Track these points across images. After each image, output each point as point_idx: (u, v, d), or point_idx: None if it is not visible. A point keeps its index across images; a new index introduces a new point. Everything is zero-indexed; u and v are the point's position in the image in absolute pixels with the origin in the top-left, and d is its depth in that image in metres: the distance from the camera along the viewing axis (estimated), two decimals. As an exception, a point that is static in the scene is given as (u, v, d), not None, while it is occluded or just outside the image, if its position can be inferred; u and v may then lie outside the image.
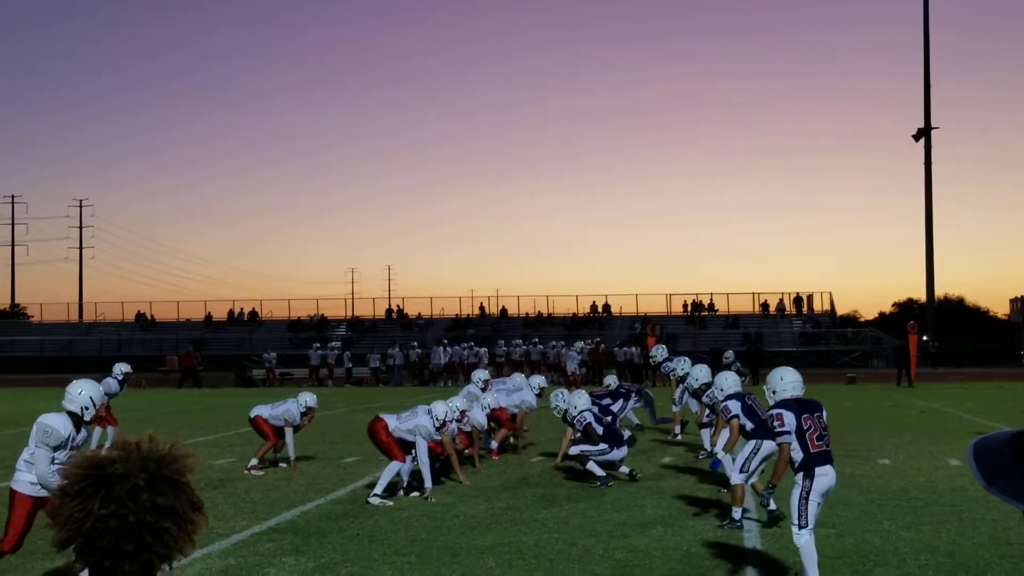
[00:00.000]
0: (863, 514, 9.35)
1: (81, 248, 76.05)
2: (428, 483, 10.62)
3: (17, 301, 74.06)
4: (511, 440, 14.99)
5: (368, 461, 13.18)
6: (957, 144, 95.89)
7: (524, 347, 40.39)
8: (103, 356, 50.54)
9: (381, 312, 60.37)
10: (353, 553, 7.96)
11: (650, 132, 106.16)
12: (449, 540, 8.44)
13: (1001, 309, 66.13)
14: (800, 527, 6.49)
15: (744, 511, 9.01)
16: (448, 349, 39.47)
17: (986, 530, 8.50)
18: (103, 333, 57.93)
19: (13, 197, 75.96)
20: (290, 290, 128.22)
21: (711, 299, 57.11)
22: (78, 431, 7.00)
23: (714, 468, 10.38)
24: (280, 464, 13.12)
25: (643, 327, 47.58)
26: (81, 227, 76.47)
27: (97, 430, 13.86)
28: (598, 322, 54.71)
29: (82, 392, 7.12)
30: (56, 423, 6.79)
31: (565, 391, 13.45)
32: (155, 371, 42.07)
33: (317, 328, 55.26)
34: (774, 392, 7.19)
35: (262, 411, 13.05)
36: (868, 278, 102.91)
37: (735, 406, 9.50)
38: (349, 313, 62.33)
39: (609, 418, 12.67)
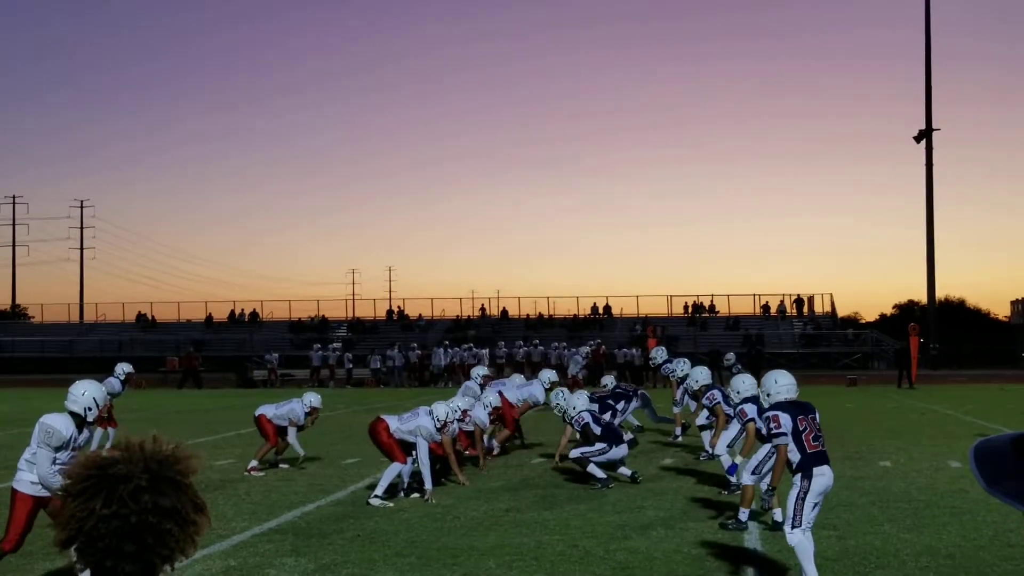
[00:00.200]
0: (864, 516, 9.35)
1: (82, 249, 76.13)
2: (428, 484, 10.62)
3: (18, 302, 74.13)
4: (516, 440, 14.99)
5: (368, 462, 13.18)
6: (958, 146, 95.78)
7: (525, 348, 40.41)
8: (104, 357, 50.57)
9: (382, 313, 60.39)
10: (354, 554, 7.96)
11: (651, 133, 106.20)
12: (450, 541, 8.44)
13: (1002, 311, 66.04)
14: (794, 526, 6.53)
15: (751, 512, 9.01)
16: (449, 350, 39.51)
17: (987, 532, 8.50)
18: (104, 334, 57.95)
19: (14, 197, 76.03)
20: (291, 291, 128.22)
21: (712, 300, 57.16)
22: (80, 432, 7.01)
23: (730, 472, 10.38)
24: (280, 465, 13.13)
25: (644, 329, 47.60)
26: (82, 227, 76.53)
27: (99, 431, 13.86)
28: (599, 323, 54.73)
29: (85, 392, 7.12)
30: (58, 423, 6.79)
31: (566, 390, 13.48)
32: (156, 372, 42.06)
33: (318, 329, 55.27)
34: (768, 395, 7.33)
35: (267, 410, 13.08)
36: (869, 280, 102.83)
37: (751, 409, 9.50)
38: (350, 314, 62.36)
39: (608, 415, 12.66)
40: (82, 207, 76.63)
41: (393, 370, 39.27)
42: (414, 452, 10.82)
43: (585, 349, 37.42)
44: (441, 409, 11.05)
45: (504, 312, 58.39)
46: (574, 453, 11.63)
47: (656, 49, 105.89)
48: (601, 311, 56.58)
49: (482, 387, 14.81)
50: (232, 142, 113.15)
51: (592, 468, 11.35)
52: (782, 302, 55.74)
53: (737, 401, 10.03)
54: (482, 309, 59.87)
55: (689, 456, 14.14)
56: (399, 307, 60.68)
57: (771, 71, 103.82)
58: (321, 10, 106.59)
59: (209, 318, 59.52)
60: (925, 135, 50.96)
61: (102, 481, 1.73)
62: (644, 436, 16.01)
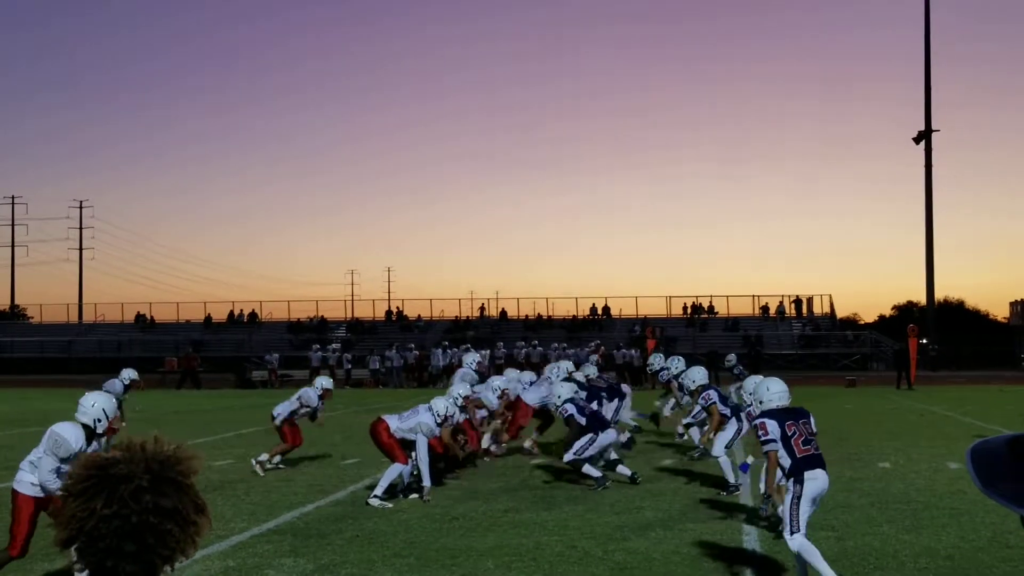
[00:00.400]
0: (863, 517, 9.35)
1: (81, 249, 76.07)
2: (427, 482, 10.62)
3: (17, 302, 74.09)
4: (535, 436, 14.90)
5: (368, 463, 13.18)
6: (958, 147, 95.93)
7: (525, 349, 40.41)
8: (103, 357, 50.64)
9: (381, 314, 60.39)
10: (353, 555, 7.97)
11: (650, 134, 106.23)
12: (448, 542, 8.44)
13: (1001, 312, 66.02)
14: (792, 532, 6.55)
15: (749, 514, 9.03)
16: (448, 351, 39.52)
17: (986, 533, 8.51)
18: (103, 334, 57.94)
19: (13, 198, 75.95)
20: (290, 291, 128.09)
21: (711, 301, 57.16)
22: (89, 444, 7.02)
23: (743, 470, 10.39)
24: (279, 466, 13.12)
25: (643, 329, 47.60)
26: (81, 228, 76.47)
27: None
28: (598, 324, 54.73)
29: (95, 404, 7.18)
30: (69, 434, 6.80)
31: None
32: (154, 372, 42.03)
33: (317, 330, 55.27)
34: (761, 402, 7.38)
35: (282, 410, 13.15)
36: (868, 281, 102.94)
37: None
38: (349, 315, 62.39)
39: (594, 404, 12.64)
40: (81, 207, 76.65)
41: (392, 371, 39.29)
42: (414, 452, 10.82)
43: (593, 353, 37.32)
44: (441, 404, 11.05)
45: (503, 313, 58.40)
46: (567, 456, 11.50)
47: (656, 50, 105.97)
48: (600, 312, 56.59)
49: (480, 374, 14.80)
50: (231, 142, 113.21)
51: (587, 469, 11.30)
52: (781, 303, 55.76)
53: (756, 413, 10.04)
54: (481, 310, 59.91)
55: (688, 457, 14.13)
56: (398, 308, 60.73)
57: (771, 72, 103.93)
58: (321, 10, 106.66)
59: (208, 319, 59.51)
60: (924, 136, 50.97)
61: (103, 481, 1.74)
62: (643, 436, 15.99)
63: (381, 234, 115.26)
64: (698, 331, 52.90)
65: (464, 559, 7.77)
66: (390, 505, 10.16)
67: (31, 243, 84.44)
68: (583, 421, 11.56)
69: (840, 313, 60.23)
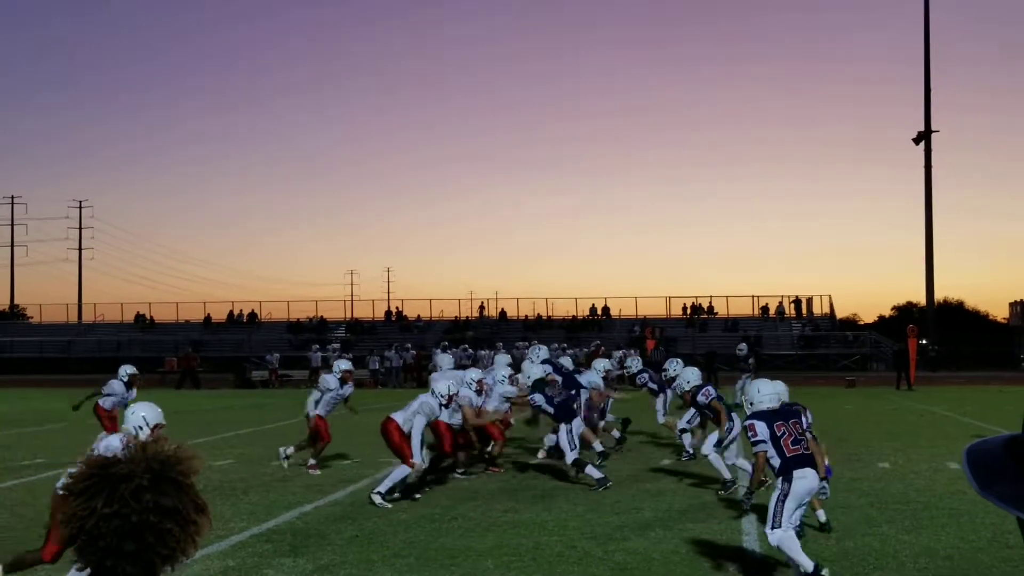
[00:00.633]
0: (862, 517, 9.36)
1: (80, 249, 76.07)
2: (417, 458, 10.50)
3: (16, 302, 74.08)
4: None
5: (367, 463, 13.19)
6: (957, 147, 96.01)
7: (524, 350, 40.36)
8: (102, 357, 50.59)
9: (380, 314, 60.40)
10: (352, 555, 7.97)
11: (650, 134, 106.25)
12: (448, 542, 8.44)
13: (1001, 313, 66.00)
14: (773, 527, 6.69)
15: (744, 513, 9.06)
16: (448, 351, 39.50)
17: (985, 534, 8.51)
18: (102, 334, 57.94)
19: (13, 198, 75.98)
20: (289, 292, 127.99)
21: (710, 302, 57.16)
22: None
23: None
24: (288, 463, 13.11)
25: (642, 330, 47.61)
26: (81, 228, 76.46)
27: (101, 434, 13.84)
28: (597, 324, 54.73)
29: (135, 412, 7.37)
30: (117, 445, 6.85)
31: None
32: (154, 372, 42.03)
33: (316, 330, 55.27)
34: (752, 404, 7.51)
35: (313, 408, 13.15)
36: (868, 281, 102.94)
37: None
38: (348, 315, 62.39)
39: (562, 395, 12.66)
40: (80, 207, 76.65)
41: (391, 371, 39.30)
42: (422, 454, 10.70)
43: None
44: (441, 385, 11.01)
45: (503, 313, 58.39)
46: (569, 459, 11.58)
47: (656, 51, 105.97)
48: (600, 312, 56.59)
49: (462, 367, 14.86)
50: (231, 143, 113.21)
51: (590, 470, 11.33)
52: (781, 303, 55.75)
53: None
54: (481, 310, 59.91)
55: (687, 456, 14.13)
56: (397, 308, 60.75)
57: (771, 73, 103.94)
58: (321, 10, 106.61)
59: (207, 319, 59.52)
60: (924, 137, 50.99)
61: (104, 480, 1.74)
62: (641, 436, 16.00)
63: (380, 234, 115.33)
64: (698, 331, 52.89)
65: (463, 559, 7.78)
66: (389, 506, 10.15)
67: (31, 243, 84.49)
68: (551, 411, 11.68)
69: (840, 313, 60.30)
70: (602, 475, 11.28)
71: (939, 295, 56.59)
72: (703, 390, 11.86)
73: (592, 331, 51.95)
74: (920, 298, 57.77)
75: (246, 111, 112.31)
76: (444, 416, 11.44)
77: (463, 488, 11.31)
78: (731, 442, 11.20)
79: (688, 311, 56.35)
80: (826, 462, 7.40)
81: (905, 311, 67.97)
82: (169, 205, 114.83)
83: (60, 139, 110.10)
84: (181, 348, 47.38)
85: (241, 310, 59.89)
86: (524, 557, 7.84)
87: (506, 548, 8.16)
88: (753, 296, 58.80)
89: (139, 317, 60.35)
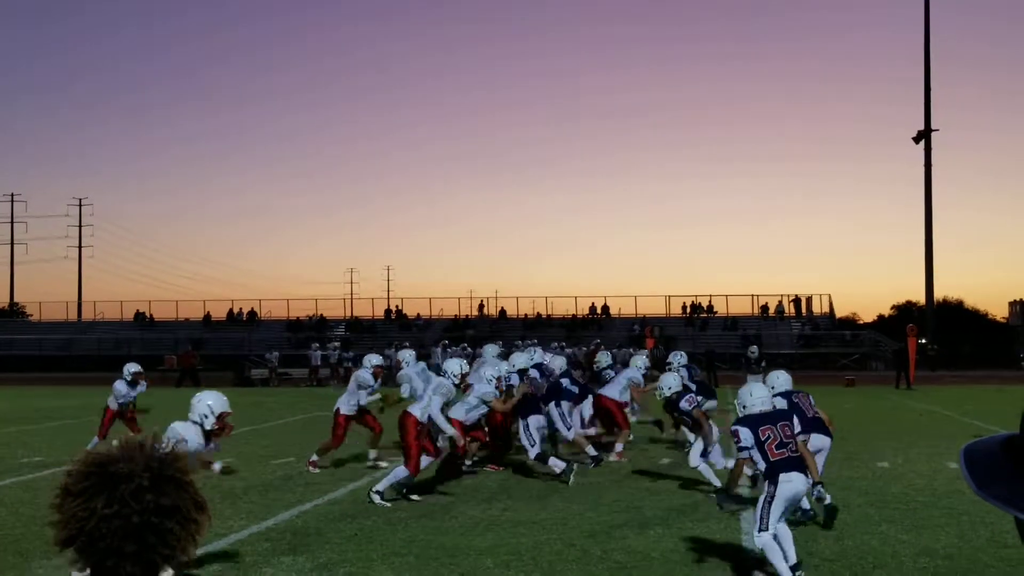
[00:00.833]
0: (862, 517, 9.36)
1: (80, 247, 76.07)
2: (449, 431, 10.65)
3: (16, 300, 74.12)
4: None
5: (367, 462, 13.19)
6: (957, 146, 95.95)
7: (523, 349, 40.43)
8: (102, 355, 50.62)
9: (380, 312, 60.39)
10: (351, 553, 7.97)
11: (650, 133, 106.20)
12: (447, 541, 8.45)
13: (1000, 312, 65.96)
14: (760, 529, 6.74)
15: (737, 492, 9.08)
16: (448, 350, 39.52)
17: (984, 533, 8.51)
18: (102, 332, 57.92)
19: (12, 196, 75.99)
20: (289, 290, 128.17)
21: (710, 301, 57.20)
22: (208, 442, 7.07)
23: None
24: (317, 465, 13.12)
25: (642, 329, 47.62)
26: (80, 226, 76.46)
27: (94, 440, 13.78)
28: (597, 323, 54.73)
29: (200, 401, 7.31)
30: (188, 433, 6.92)
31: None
32: (154, 370, 42.02)
33: (316, 328, 55.26)
34: (744, 407, 7.47)
35: (342, 405, 13.27)
36: (867, 280, 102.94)
37: (780, 402, 9.43)
38: (348, 313, 62.37)
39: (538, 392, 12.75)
40: (80, 205, 76.65)
41: (391, 369, 39.26)
42: (428, 454, 10.67)
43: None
44: (454, 364, 11.10)
45: (502, 312, 58.39)
46: (531, 454, 11.78)
47: (655, 50, 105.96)
48: (599, 311, 56.58)
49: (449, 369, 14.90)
50: (231, 141, 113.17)
51: (553, 461, 11.51)
52: (780, 302, 55.76)
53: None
54: (480, 308, 59.91)
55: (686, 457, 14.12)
56: (397, 306, 60.74)
57: (770, 72, 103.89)
58: (321, 10, 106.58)
59: (207, 317, 59.52)
60: (924, 136, 50.96)
61: (103, 480, 1.73)
62: (640, 437, 16.00)
63: (380, 233, 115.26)
64: (697, 330, 52.89)
65: (463, 558, 7.78)
66: (388, 505, 10.15)
67: (31, 241, 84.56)
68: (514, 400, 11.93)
69: (839, 313, 60.33)
70: (564, 464, 11.42)
71: (939, 294, 56.63)
72: (686, 396, 11.57)
73: (592, 330, 51.94)
74: (920, 297, 57.80)
75: (246, 111, 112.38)
76: (459, 413, 11.47)
77: (462, 486, 11.32)
78: (712, 446, 11.11)
79: (688, 310, 56.36)
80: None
81: (905, 310, 67.93)
82: (169, 203, 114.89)
83: (60, 137, 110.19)
84: (181, 346, 47.42)
85: (241, 308, 59.90)
86: (523, 556, 7.84)
87: (505, 547, 8.17)
88: (753, 295, 58.87)
89: (139, 315, 60.35)
